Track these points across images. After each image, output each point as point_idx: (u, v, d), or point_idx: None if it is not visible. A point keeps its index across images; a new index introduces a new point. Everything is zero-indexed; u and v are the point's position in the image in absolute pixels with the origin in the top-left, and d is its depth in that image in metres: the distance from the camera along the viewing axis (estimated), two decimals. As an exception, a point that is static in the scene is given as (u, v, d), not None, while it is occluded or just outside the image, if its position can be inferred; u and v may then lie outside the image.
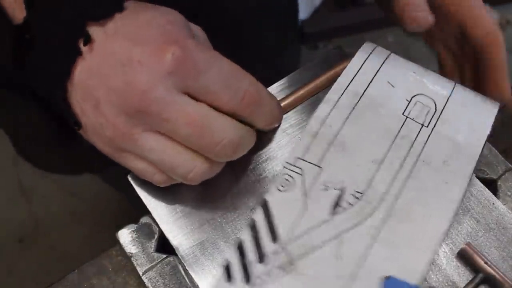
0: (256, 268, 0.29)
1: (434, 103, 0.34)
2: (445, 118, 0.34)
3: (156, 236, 0.35)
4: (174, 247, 0.34)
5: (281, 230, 0.30)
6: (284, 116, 0.39)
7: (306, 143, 0.32)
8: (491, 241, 0.34)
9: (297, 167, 0.31)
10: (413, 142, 0.33)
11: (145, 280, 0.34)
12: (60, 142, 0.49)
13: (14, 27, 0.31)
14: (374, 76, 0.35)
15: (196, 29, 0.33)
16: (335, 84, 0.34)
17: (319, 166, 0.32)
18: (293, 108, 0.39)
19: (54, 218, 1.24)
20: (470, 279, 0.33)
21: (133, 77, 0.28)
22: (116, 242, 0.36)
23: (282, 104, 0.38)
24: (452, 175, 0.32)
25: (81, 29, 0.29)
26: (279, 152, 0.37)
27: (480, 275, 0.32)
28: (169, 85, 0.28)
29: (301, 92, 0.39)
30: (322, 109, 0.33)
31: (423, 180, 0.32)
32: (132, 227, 0.36)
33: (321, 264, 0.29)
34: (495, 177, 0.37)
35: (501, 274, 0.32)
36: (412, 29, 0.36)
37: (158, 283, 0.34)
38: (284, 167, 0.32)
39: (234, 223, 0.35)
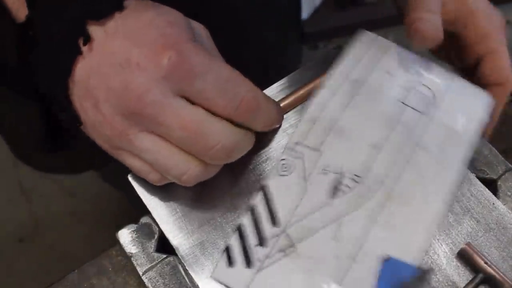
0: (257, 251, 0.30)
1: (433, 92, 0.34)
2: (443, 107, 0.34)
3: (156, 236, 0.35)
4: (174, 247, 0.34)
5: (280, 213, 0.30)
6: (284, 116, 0.39)
7: (305, 128, 0.33)
8: (491, 241, 0.34)
9: (296, 151, 0.32)
10: (412, 129, 0.33)
11: (145, 280, 0.34)
12: (57, 142, 0.49)
13: (17, 25, 0.31)
14: (375, 65, 0.35)
15: (199, 27, 0.33)
16: (335, 71, 0.34)
17: (318, 151, 0.32)
18: (293, 108, 0.39)
19: (54, 218, 1.24)
20: (470, 279, 0.33)
21: (130, 79, 0.29)
22: (116, 242, 0.36)
23: (282, 104, 0.38)
24: (449, 160, 0.33)
25: (82, 28, 0.29)
26: (279, 152, 0.37)
27: (480, 275, 0.32)
28: (165, 89, 0.29)
29: (301, 92, 0.39)
30: (322, 95, 0.34)
31: (421, 165, 0.32)
32: (132, 227, 0.36)
33: (321, 246, 0.30)
34: (495, 177, 0.37)
35: (501, 274, 0.32)
36: (418, 47, 0.35)
37: (158, 283, 0.34)
38: (284, 152, 0.32)
39: (234, 223, 0.35)
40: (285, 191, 0.31)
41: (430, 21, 0.34)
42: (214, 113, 0.30)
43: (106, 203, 1.20)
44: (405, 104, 0.34)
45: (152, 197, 0.36)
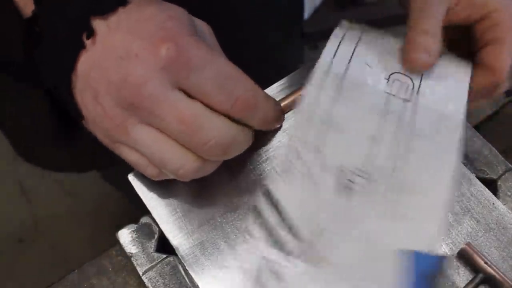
0: (272, 257, 0.29)
1: (410, 79, 0.34)
2: (424, 91, 0.34)
3: (156, 236, 0.35)
4: (174, 247, 0.34)
5: (290, 216, 0.30)
6: (285, 116, 0.39)
7: (301, 127, 0.32)
8: (491, 241, 0.34)
9: (296, 151, 0.32)
10: (402, 118, 0.33)
11: (145, 280, 0.34)
12: (62, 138, 0.49)
13: (24, 21, 0.31)
14: (351, 57, 0.35)
15: (201, 24, 0.33)
16: (316, 67, 0.34)
17: (318, 150, 0.32)
18: (293, 108, 0.39)
19: (54, 218, 1.24)
20: (470, 279, 0.33)
21: (129, 71, 0.29)
22: (116, 242, 0.36)
23: (282, 104, 0.38)
24: (446, 143, 0.32)
25: (86, 23, 0.30)
26: (279, 152, 0.37)
27: (480, 275, 0.32)
28: (163, 81, 0.29)
29: (301, 92, 0.39)
30: (310, 92, 0.34)
31: (421, 152, 0.32)
32: (132, 227, 0.36)
33: (336, 248, 0.29)
34: (495, 177, 0.37)
35: (501, 274, 0.32)
36: (412, 70, 0.35)
37: (158, 283, 0.34)
38: (282, 153, 0.32)
39: (234, 223, 0.35)
40: (290, 192, 0.31)
41: (425, 48, 0.33)
42: (211, 108, 0.30)
43: (106, 203, 1.20)
44: (388, 93, 0.34)
45: (152, 197, 0.36)
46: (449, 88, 0.34)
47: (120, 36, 0.29)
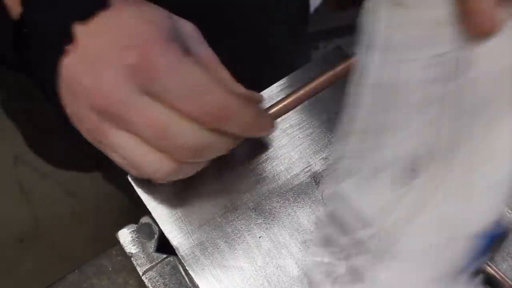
0: (355, 258, 0.29)
1: (449, 56, 0.32)
2: (477, 56, 0.31)
3: (156, 236, 0.35)
4: (174, 247, 0.34)
5: (366, 214, 0.30)
6: (284, 116, 0.39)
7: (357, 140, 0.32)
8: (491, 241, 0.34)
9: (349, 157, 0.31)
10: (457, 92, 0.31)
11: (145, 280, 0.34)
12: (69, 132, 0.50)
13: (14, 22, 0.32)
14: (382, 64, 0.33)
15: (186, 26, 0.33)
16: (354, 83, 0.33)
17: (369, 150, 0.31)
18: (293, 108, 0.39)
19: (54, 218, 1.24)
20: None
21: (99, 76, 0.29)
22: (116, 242, 0.36)
23: (282, 104, 0.38)
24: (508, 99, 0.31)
25: (67, 28, 0.30)
26: (279, 152, 0.37)
27: (480, 275, 0.32)
28: (132, 87, 0.29)
29: (301, 92, 0.39)
30: (359, 105, 0.33)
31: (482, 120, 0.31)
32: (132, 227, 0.36)
33: (410, 235, 0.29)
34: (495, 177, 0.37)
35: (501, 274, 0.32)
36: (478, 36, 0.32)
37: (158, 283, 0.34)
38: (334, 161, 0.32)
39: (234, 223, 0.35)
40: (358, 194, 0.30)
41: (487, 14, 0.30)
42: (182, 115, 0.30)
43: (106, 203, 1.20)
44: (433, 81, 0.32)
45: (152, 197, 0.36)
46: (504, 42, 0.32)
47: (96, 40, 0.30)
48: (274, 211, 0.35)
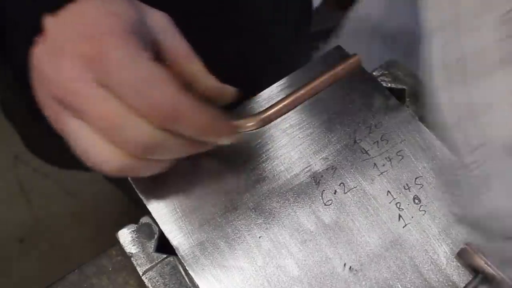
0: None
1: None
2: None
3: (156, 236, 0.35)
4: (174, 247, 0.34)
5: None
6: (284, 116, 0.38)
7: None
8: (491, 241, 0.34)
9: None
10: None
11: (145, 280, 0.34)
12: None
13: None
14: None
15: (156, 18, 0.33)
16: None
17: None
18: (293, 108, 0.39)
19: (54, 218, 1.24)
20: (470, 279, 0.33)
21: (59, 67, 0.30)
22: (116, 242, 0.36)
23: (282, 104, 0.38)
24: None
25: (37, 20, 0.30)
26: (279, 152, 0.37)
27: (480, 275, 0.32)
28: (88, 78, 0.29)
29: (301, 92, 0.39)
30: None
31: None
32: (132, 227, 0.36)
33: None
34: (495, 177, 0.37)
35: (501, 274, 0.32)
36: None
37: (158, 283, 0.34)
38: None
39: (234, 223, 0.35)
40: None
41: None
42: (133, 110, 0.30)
43: (106, 203, 1.20)
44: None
45: (152, 197, 0.36)
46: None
47: (60, 32, 0.30)
48: (274, 211, 0.35)
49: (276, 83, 0.40)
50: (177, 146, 0.31)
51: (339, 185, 0.36)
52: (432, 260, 0.33)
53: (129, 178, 0.36)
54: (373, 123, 0.38)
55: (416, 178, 0.36)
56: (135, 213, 0.37)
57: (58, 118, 0.31)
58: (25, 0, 0.32)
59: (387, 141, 0.38)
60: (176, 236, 0.34)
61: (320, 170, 0.37)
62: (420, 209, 0.35)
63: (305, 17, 0.70)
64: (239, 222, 0.35)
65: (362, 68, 0.41)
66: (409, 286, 0.33)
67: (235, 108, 0.39)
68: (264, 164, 0.37)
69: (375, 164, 0.37)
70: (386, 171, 0.37)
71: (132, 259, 0.35)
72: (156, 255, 0.35)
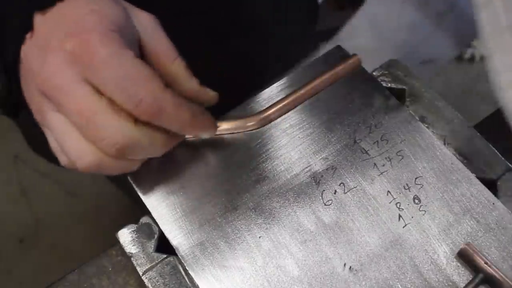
0: None
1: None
2: None
3: (156, 236, 0.35)
4: (174, 247, 0.34)
5: None
6: (284, 116, 0.39)
7: None
8: (491, 241, 0.34)
9: None
10: None
11: (145, 280, 0.34)
12: None
13: None
14: None
15: (142, 18, 0.33)
16: None
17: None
18: (293, 108, 0.39)
19: (54, 218, 1.24)
20: (470, 279, 0.33)
21: (44, 61, 0.30)
22: (116, 242, 0.36)
23: (282, 104, 0.38)
24: None
25: (27, 18, 0.31)
26: (279, 152, 0.37)
27: (480, 275, 0.32)
28: (73, 74, 0.30)
29: (301, 92, 0.39)
30: None
31: None
32: (132, 227, 0.36)
33: None
34: (495, 177, 0.37)
35: (501, 274, 0.32)
36: None
37: (158, 283, 0.34)
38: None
39: (234, 223, 0.35)
40: None
41: None
42: (117, 106, 0.30)
43: (106, 203, 1.20)
44: None
45: (152, 197, 0.36)
46: None
47: (48, 28, 0.31)
48: (274, 211, 0.35)
49: (276, 83, 0.40)
50: (155, 143, 0.32)
51: (339, 185, 0.36)
52: (432, 260, 0.33)
53: (129, 178, 0.36)
54: (373, 123, 0.38)
55: (416, 178, 0.36)
56: (135, 213, 0.37)
57: (39, 111, 0.32)
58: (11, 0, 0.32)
59: (387, 141, 0.38)
60: (176, 236, 0.34)
61: (320, 170, 0.37)
62: (420, 209, 0.35)
63: (310, 16, 0.70)
64: (239, 222, 0.35)
65: (362, 68, 0.41)
66: (409, 286, 0.33)
67: (236, 107, 0.39)
68: (264, 164, 0.37)
69: (375, 164, 0.37)
70: (386, 171, 0.37)
71: (132, 259, 0.35)
72: (156, 255, 0.35)
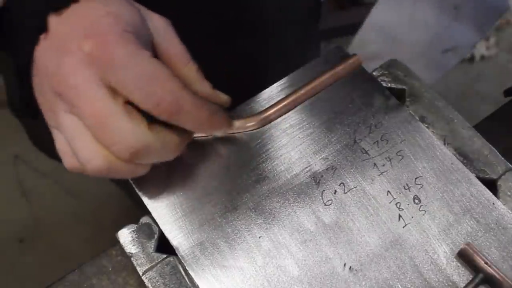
0: None
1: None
2: None
3: (156, 236, 0.35)
4: (174, 247, 0.34)
5: None
6: (284, 116, 0.39)
7: None
8: (491, 241, 0.34)
9: None
10: None
11: (145, 280, 0.34)
12: None
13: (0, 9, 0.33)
14: None
15: (156, 21, 0.34)
16: None
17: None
18: (293, 108, 0.39)
19: (54, 218, 1.24)
20: (470, 279, 0.33)
21: (61, 62, 0.30)
22: (116, 242, 0.36)
23: (282, 104, 0.38)
24: None
25: (41, 19, 0.31)
26: (279, 152, 0.37)
27: (480, 275, 0.32)
28: (91, 75, 0.30)
29: (301, 92, 0.39)
30: None
31: None
32: (132, 227, 0.36)
33: None
34: (495, 177, 0.37)
35: (501, 274, 0.32)
36: None
37: (158, 283, 0.34)
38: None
39: (234, 223, 0.35)
40: None
41: None
42: (136, 107, 0.30)
43: (106, 203, 1.20)
44: None
45: (152, 197, 0.36)
46: None
47: (63, 30, 0.31)
48: (274, 211, 0.35)
49: (276, 83, 0.40)
50: (167, 147, 0.32)
51: (339, 185, 0.36)
52: (432, 260, 0.33)
53: (129, 178, 0.36)
54: (373, 123, 0.38)
55: (416, 178, 0.36)
56: (135, 213, 0.37)
57: (51, 111, 0.32)
58: (31, 0, 0.32)
59: (387, 141, 0.38)
60: (176, 236, 0.34)
61: (320, 170, 0.37)
62: (420, 209, 0.35)
63: (314, 16, 0.70)
64: (239, 222, 0.35)
65: (362, 68, 0.41)
66: (409, 286, 0.33)
67: (236, 107, 0.39)
68: (264, 164, 0.37)
69: (375, 164, 0.37)
70: (386, 171, 0.37)
71: (132, 259, 0.35)
72: (156, 255, 0.35)
